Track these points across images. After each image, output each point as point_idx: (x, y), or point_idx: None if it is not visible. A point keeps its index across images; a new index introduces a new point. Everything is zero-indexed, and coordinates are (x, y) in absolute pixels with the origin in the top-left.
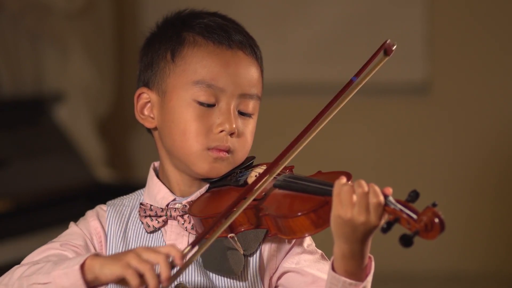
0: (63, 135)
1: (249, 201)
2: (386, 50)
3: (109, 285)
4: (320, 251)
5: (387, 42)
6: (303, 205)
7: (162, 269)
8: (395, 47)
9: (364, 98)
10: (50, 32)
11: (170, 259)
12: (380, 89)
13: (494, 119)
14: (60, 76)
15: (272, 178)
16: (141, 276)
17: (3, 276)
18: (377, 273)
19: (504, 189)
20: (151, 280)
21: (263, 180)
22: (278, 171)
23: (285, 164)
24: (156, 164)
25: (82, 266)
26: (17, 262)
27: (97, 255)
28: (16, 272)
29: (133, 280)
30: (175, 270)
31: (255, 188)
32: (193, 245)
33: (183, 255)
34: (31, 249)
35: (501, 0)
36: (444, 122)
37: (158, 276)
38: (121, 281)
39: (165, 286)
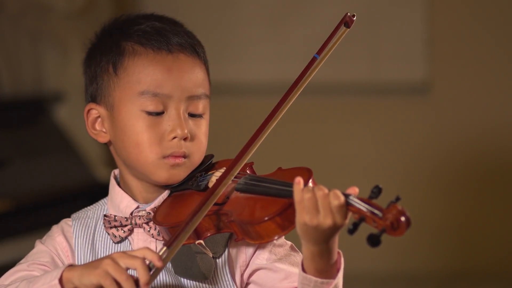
0: (63, 135)
1: (211, 205)
2: (347, 22)
3: None
4: (289, 243)
5: (347, 14)
6: (267, 209)
7: (141, 274)
8: (355, 17)
9: (364, 98)
10: (50, 32)
11: (147, 262)
12: (380, 89)
13: (494, 119)
14: (60, 76)
15: (231, 180)
16: (119, 284)
17: None
18: (377, 273)
19: (503, 188)
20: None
21: (223, 183)
22: (236, 173)
23: (243, 164)
24: (116, 172)
25: (60, 280)
26: (17, 262)
27: (72, 266)
28: None
29: None
30: (151, 272)
31: (215, 192)
32: (168, 245)
33: (160, 256)
34: (31, 249)
35: (501, 0)
36: (444, 122)
37: (137, 280)
38: None
39: None
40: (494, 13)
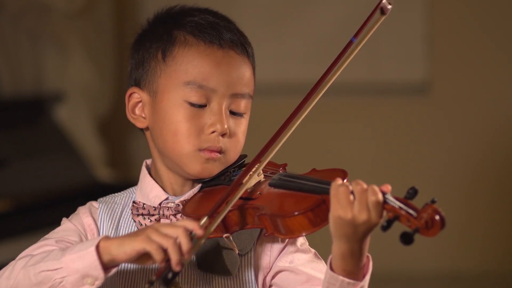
0: (63, 135)
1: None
2: (382, 9)
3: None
4: (313, 250)
5: (383, 1)
6: (300, 204)
7: (183, 242)
8: (390, 6)
9: (364, 98)
10: (50, 32)
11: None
12: (380, 89)
13: (494, 119)
14: (60, 76)
15: (260, 170)
16: (163, 251)
17: (2, 270)
18: (377, 273)
19: (502, 189)
20: (174, 254)
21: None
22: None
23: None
24: (149, 161)
25: (97, 248)
26: None
27: (108, 237)
28: (17, 264)
29: (158, 254)
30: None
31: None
32: (209, 216)
33: (200, 226)
34: None
35: (501, 0)
36: (443, 122)
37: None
38: (141, 257)
39: (187, 259)
40: (494, 13)
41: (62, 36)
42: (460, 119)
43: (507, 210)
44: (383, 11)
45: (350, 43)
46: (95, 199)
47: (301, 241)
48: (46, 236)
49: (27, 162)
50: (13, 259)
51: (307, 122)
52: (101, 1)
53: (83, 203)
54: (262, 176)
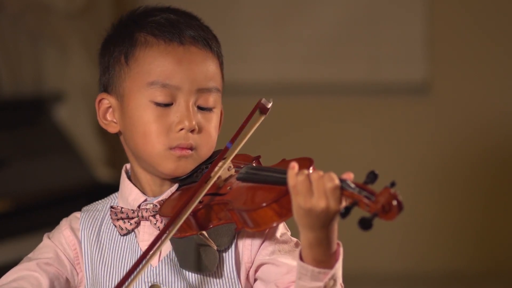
0: (63, 135)
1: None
2: (261, 109)
3: None
4: (295, 239)
5: (261, 101)
6: (265, 196)
7: None
8: (270, 104)
9: (364, 98)
10: (50, 32)
11: None
12: (380, 89)
13: (494, 119)
14: (60, 76)
15: (227, 166)
16: None
17: None
18: (377, 274)
19: (502, 189)
20: None
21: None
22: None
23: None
24: (128, 166)
25: None
26: (17, 262)
27: None
28: None
29: None
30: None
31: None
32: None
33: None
34: (31, 249)
35: (500, 1)
36: (443, 122)
37: None
38: None
39: None
40: (494, 13)
41: (62, 36)
42: (460, 119)
43: (507, 210)
44: (262, 111)
45: (225, 149)
46: (95, 199)
47: (282, 231)
48: (29, 255)
49: (27, 162)
50: (13, 259)
51: (307, 122)
52: (101, 1)
53: (83, 203)
54: (233, 170)
